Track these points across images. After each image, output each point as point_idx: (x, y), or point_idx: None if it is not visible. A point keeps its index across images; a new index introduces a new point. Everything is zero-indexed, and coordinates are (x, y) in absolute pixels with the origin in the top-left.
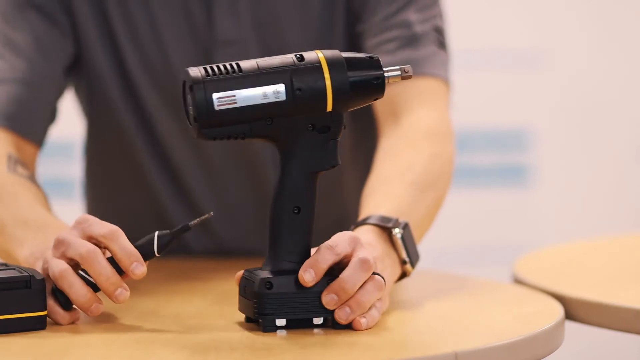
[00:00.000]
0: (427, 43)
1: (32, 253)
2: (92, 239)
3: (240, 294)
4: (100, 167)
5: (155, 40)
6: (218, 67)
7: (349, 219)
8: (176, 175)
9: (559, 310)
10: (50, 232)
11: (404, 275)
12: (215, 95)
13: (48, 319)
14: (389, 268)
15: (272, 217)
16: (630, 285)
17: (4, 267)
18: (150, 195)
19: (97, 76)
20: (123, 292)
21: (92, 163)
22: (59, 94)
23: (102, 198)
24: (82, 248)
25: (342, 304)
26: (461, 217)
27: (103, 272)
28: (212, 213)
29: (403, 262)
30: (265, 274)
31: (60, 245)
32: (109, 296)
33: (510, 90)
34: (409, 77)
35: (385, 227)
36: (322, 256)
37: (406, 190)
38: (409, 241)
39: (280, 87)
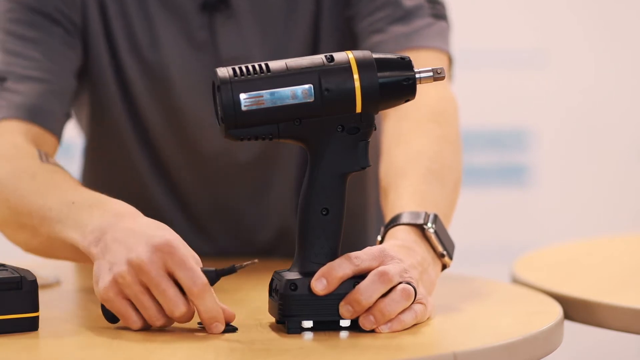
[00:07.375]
0: (419, 16)
1: (92, 231)
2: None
3: (269, 295)
4: (98, 175)
5: (155, 49)
6: (247, 68)
7: (369, 208)
8: (177, 189)
9: (558, 310)
10: (108, 209)
11: (444, 267)
12: (242, 96)
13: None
14: (431, 266)
15: (301, 218)
16: (629, 285)
17: None
18: (145, 197)
19: (103, 93)
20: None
21: (90, 170)
22: (74, 95)
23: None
24: (169, 291)
25: (366, 312)
26: (461, 217)
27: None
28: (256, 260)
29: (441, 255)
30: (291, 276)
31: (139, 272)
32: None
33: (510, 90)
34: (442, 79)
35: (417, 225)
36: (339, 265)
37: (424, 179)
38: (442, 233)
39: (309, 88)
